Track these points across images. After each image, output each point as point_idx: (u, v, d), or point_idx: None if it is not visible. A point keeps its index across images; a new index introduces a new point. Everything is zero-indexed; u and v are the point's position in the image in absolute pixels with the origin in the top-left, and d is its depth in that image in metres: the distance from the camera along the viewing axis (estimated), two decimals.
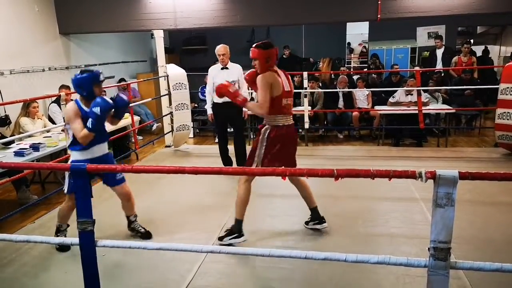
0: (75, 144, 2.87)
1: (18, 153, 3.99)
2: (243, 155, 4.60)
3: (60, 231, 3.17)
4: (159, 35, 6.49)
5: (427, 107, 6.15)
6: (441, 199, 1.60)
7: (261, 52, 2.93)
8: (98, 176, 3.16)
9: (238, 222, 3.04)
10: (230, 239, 3.03)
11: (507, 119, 5.19)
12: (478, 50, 9.22)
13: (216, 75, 4.75)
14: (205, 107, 5.25)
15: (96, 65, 7.60)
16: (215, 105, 4.86)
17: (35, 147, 4.14)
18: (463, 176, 1.58)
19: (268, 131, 2.98)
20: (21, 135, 4.51)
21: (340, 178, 1.69)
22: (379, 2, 5.85)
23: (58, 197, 4.38)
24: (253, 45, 3.00)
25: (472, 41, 9.73)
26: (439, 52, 7.81)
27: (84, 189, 1.91)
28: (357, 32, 10.35)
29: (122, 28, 6.69)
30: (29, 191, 4.31)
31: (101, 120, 2.77)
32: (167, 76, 6.17)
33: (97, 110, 2.68)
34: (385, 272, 2.66)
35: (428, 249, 1.68)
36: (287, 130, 3.01)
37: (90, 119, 2.71)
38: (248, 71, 3.16)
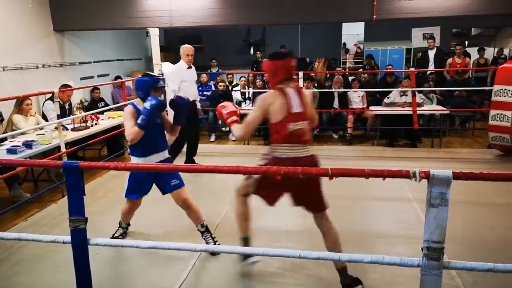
0: (133, 150, 2.85)
1: (11, 151, 3.95)
2: (195, 147, 5.25)
3: (120, 227, 3.26)
4: (154, 33, 6.47)
5: (422, 108, 6.18)
6: (434, 199, 1.60)
7: (267, 64, 2.44)
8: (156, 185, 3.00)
9: (243, 240, 2.64)
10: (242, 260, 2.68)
11: (500, 121, 5.22)
12: (473, 51, 9.30)
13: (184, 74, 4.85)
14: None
15: (90, 62, 7.56)
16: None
17: (28, 144, 4.11)
18: (457, 176, 1.58)
19: (264, 162, 2.41)
20: (14, 132, 4.47)
21: (334, 178, 1.69)
22: (374, 3, 5.86)
23: (51, 195, 4.36)
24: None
25: (466, 42, 9.79)
26: (431, 53, 7.79)
27: (76, 186, 1.89)
28: (352, 33, 10.38)
29: (117, 25, 6.67)
30: (21, 189, 4.27)
31: (152, 117, 2.74)
32: (162, 74, 6.15)
33: (147, 105, 2.69)
34: (378, 272, 2.67)
35: (422, 249, 1.68)
36: (294, 164, 2.19)
37: (141, 116, 2.72)
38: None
